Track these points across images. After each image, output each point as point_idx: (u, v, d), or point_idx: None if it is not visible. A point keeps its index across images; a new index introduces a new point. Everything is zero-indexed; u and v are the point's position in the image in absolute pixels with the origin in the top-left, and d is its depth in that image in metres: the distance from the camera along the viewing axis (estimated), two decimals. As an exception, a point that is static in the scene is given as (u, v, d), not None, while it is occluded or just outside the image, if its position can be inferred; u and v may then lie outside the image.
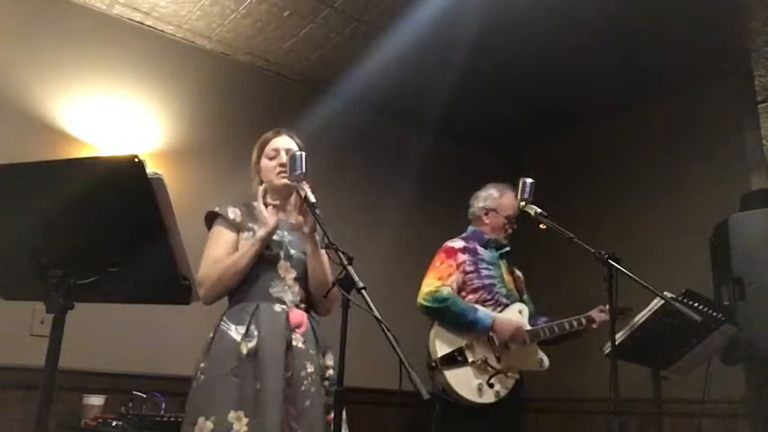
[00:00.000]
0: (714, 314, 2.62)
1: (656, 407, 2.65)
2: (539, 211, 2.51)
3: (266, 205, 2.11)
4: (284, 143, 2.27)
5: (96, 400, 2.79)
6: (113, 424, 2.63)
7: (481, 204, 3.01)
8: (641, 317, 2.57)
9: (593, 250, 2.27)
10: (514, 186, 2.66)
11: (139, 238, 1.40)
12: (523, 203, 2.56)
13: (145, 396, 2.84)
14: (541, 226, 2.48)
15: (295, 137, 2.33)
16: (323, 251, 2.07)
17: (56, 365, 1.37)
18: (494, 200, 2.97)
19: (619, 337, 2.48)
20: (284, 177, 2.12)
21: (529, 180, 2.59)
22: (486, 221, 2.98)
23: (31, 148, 2.98)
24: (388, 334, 1.50)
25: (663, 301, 2.35)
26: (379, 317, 1.53)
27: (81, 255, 1.40)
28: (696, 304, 2.51)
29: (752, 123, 3.79)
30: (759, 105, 3.90)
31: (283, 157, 2.20)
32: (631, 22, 3.35)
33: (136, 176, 1.29)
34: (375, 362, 3.69)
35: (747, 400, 3.13)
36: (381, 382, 3.82)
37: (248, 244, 2.08)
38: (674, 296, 2.39)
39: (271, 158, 2.24)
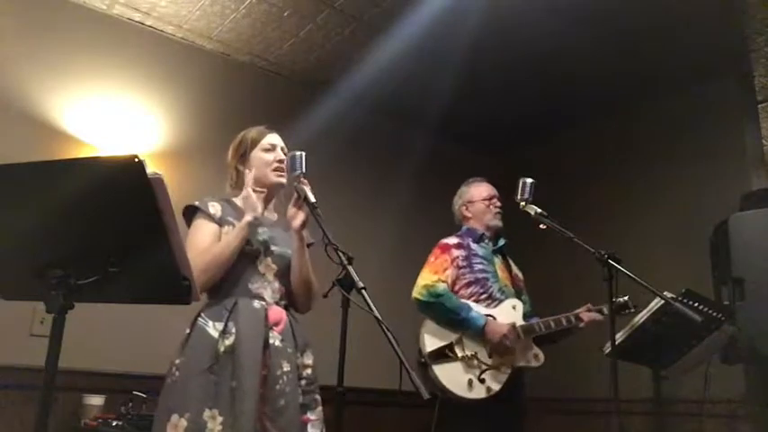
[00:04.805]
0: (714, 314, 2.62)
1: (656, 407, 2.65)
2: (539, 211, 2.51)
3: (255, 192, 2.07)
4: (279, 140, 2.23)
5: (96, 400, 2.79)
6: (113, 424, 2.63)
7: (459, 203, 3.11)
8: (641, 317, 2.57)
9: (593, 250, 2.27)
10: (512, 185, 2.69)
11: (139, 238, 1.40)
12: (523, 203, 2.56)
13: (145, 396, 2.84)
14: (541, 226, 2.47)
15: None
16: (307, 249, 2.08)
17: (56, 365, 1.36)
18: (466, 192, 3.09)
19: (619, 337, 2.48)
20: (281, 176, 2.12)
21: (529, 180, 2.59)
22: (469, 214, 3.05)
23: (31, 148, 2.98)
24: (388, 334, 1.50)
25: (663, 301, 2.35)
26: (379, 317, 1.53)
27: (81, 255, 1.40)
28: (696, 304, 2.51)
29: (752, 123, 3.79)
30: (759, 105, 3.89)
31: (280, 154, 2.18)
32: (631, 22, 3.35)
33: (136, 176, 1.29)
34: (375, 362, 3.70)
35: (747, 400, 3.13)
36: (381, 382, 3.83)
37: (233, 233, 2.01)
38: (674, 296, 2.39)
39: (266, 150, 2.17)
